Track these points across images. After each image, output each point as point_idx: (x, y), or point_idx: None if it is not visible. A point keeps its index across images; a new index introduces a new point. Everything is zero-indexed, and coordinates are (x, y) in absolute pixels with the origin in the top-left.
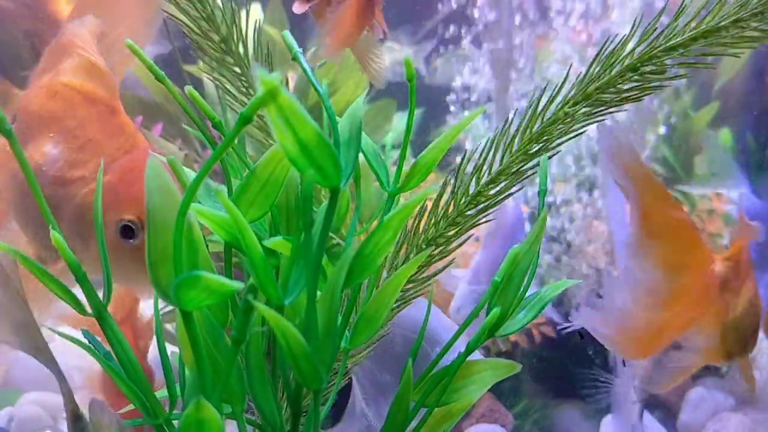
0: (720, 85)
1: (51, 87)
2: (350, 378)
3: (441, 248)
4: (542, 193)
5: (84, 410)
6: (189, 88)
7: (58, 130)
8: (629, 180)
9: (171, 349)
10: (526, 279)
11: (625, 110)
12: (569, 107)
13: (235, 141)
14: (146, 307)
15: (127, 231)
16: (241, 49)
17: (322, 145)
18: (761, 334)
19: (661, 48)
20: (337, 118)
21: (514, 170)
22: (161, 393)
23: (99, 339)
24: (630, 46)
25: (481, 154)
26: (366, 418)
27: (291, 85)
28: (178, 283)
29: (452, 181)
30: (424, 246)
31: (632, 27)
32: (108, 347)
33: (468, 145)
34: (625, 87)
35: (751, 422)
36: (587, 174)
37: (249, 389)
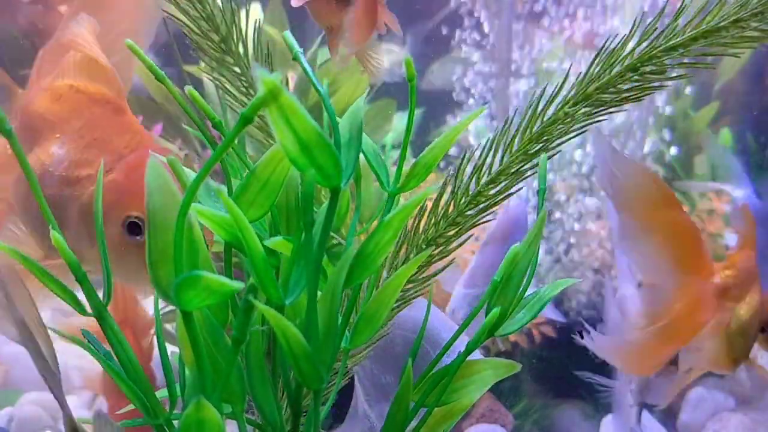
0: (720, 85)
1: (56, 90)
2: (352, 379)
3: (441, 248)
4: (541, 192)
5: (84, 411)
6: (189, 88)
7: (63, 130)
8: (624, 191)
9: (171, 349)
10: (525, 278)
11: (625, 110)
12: (569, 107)
13: (236, 141)
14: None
15: (134, 228)
16: (241, 49)
17: (323, 145)
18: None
19: (661, 48)
20: (337, 118)
21: (514, 170)
22: (161, 393)
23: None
24: (630, 46)
25: (481, 154)
26: (368, 419)
27: (291, 85)
28: (179, 283)
29: (452, 181)
30: (424, 246)
31: (632, 27)
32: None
33: (472, 140)
34: (625, 87)
35: (751, 422)
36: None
37: (249, 389)
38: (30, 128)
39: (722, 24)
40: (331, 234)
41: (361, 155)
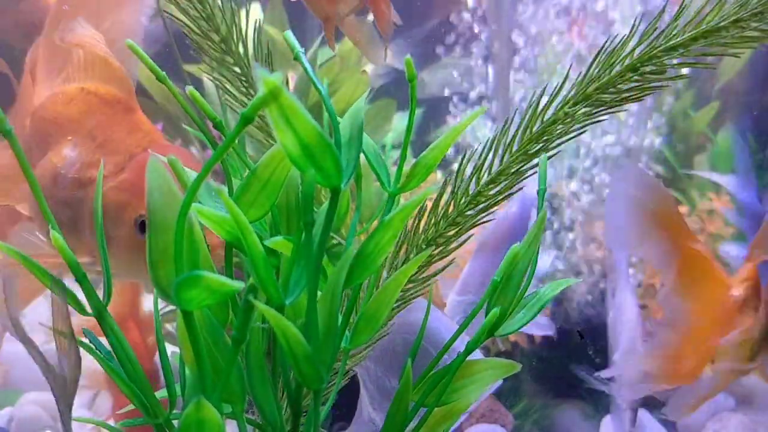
0: (720, 85)
1: (67, 93)
2: (356, 382)
3: (441, 248)
4: (541, 192)
5: (84, 411)
6: (190, 88)
7: (75, 132)
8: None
9: (171, 348)
10: (525, 278)
11: (626, 110)
12: (569, 107)
13: (236, 141)
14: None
15: (146, 227)
16: (241, 49)
17: (324, 145)
18: None
19: (661, 48)
20: (337, 118)
21: (514, 170)
22: (161, 393)
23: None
24: (630, 46)
25: (481, 154)
26: (374, 423)
27: (291, 84)
28: (179, 283)
29: (452, 181)
30: (424, 246)
31: (632, 27)
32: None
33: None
34: (625, 87)
35: (751, 422)
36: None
37: (249, 389)
38: (43, 133)
39: (722, 24)
40: (331, 234)
41: (362, 155)
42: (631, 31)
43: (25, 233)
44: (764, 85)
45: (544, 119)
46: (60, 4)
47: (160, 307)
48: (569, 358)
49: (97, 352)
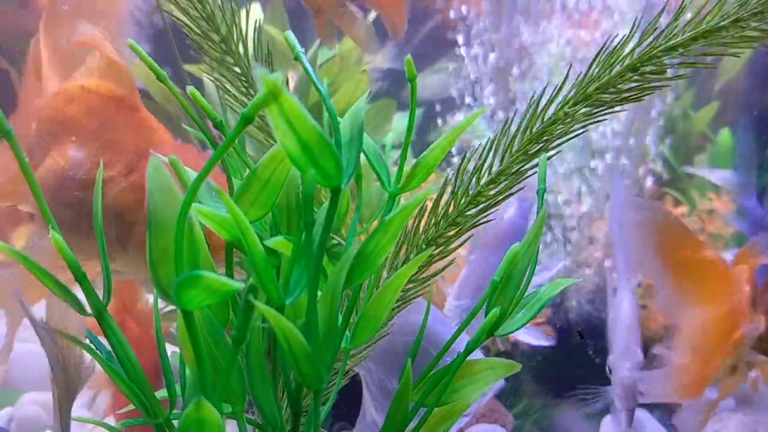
0: (720, 85)
1: (67, 92)
2: (359, 384)
3: (441, 248)
4: (541, 192)
5: (84, 411)
6: (191, 88)
7: (79, 133)
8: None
9: (171, 348)
10: (525, 278)
11: (626, 110)
12: (569, 107)
13: (236, 141)
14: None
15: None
16: (241, 49)
17: (324, 145)
18: None
19: (661, 48)
20: (338, 118)
21: (514, 170)
22: (161, 393)
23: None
24: (630, 46)
25: (481, 155)
26: (376, 425)
27: (291, 85)
28: (179, 283)
29: (452, 181)
30: (424, 246)
31: (632, 27)
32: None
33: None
34: (625, 87)
35: (751, 422)
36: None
37: (249, 389)
38: (44, 132)
39: (722, 24)
40: (331, 234)
41: (362, 155)
42: (631, 31)
43: (36, 239)
44: (764, 85)
45: (545, 119)
46: (54, 4)
47: (160, 306)
48: (569, 358)
49: (98, 352)
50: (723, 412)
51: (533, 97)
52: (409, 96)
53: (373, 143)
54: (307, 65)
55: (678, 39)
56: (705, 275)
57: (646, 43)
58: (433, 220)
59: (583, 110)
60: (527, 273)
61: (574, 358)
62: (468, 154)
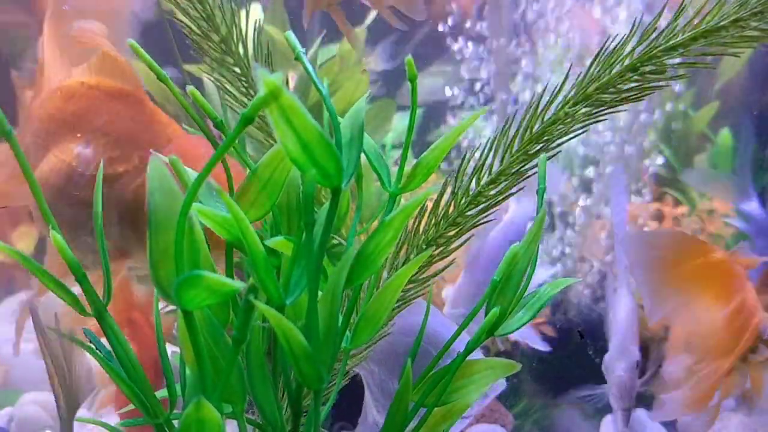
0: (720, 85)
1: (67, 89)
2: (361, 385)
3: (441, 249)
4: (540, 192)
5: (84, 411)
6: (191, 88)
7: (84, 129)
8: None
9: (171, 348)
10: (524, 278)
11: (626, 110)
12: (569, 107)
13: (236, 141)
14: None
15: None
16: (241, 50)
17: (324, 145)
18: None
19: (661, 48)
20: (338, 117)
21: (514, 170)
22: (162, 393)
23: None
24: (630, 46)
25: (481, 155)
26: (378, 426)
27: (291, 84)
28: (179, 283)
29: (452, 181)
30: (424, 246)
31: (632, 27)
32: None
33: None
34: (625, 87)
35: (752, 422)
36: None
37: (249, 389)
38: (45, 132)
39: (722, 24)
40: (332, 234)
41: (362, 155)
42: (631, 31)
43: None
44: (764, 85)
45: (545, 119)
46: (56, 4)
47: (160, 306)
48: (569, 358)
49: (98, 352)
50: (723, 412)
51: (533, 96)
52: (410, 97)
53: (373, 143)
54: (308, 65)
55: (678, 39)
56: (714, 276)
57: (646, 43)
58: (433, 221)
59: (583, 110)
60: (527, 273)
61: (574, 358)
62: (468, 155)
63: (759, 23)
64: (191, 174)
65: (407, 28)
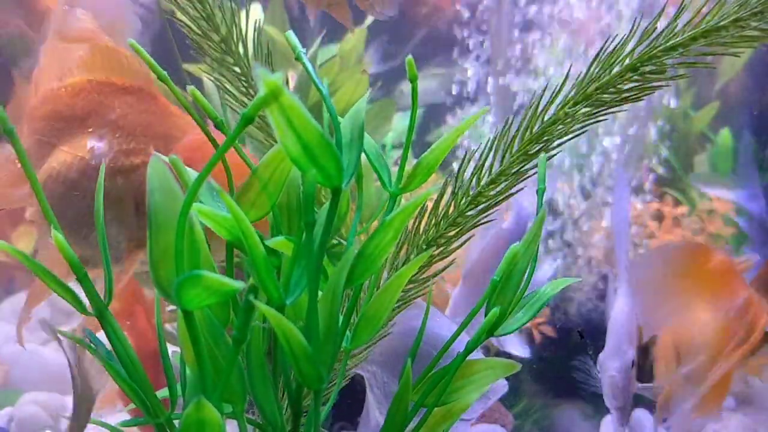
0: (720, 85)
1: (73, 86)
2: (363, 387)
3: (442, 249)
4: (540, 192)
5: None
6: (191, 88)
7: (96, 124)
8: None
9: (172, 348)
10: (524, 278)
11: (626, 110)
12: (569, 107)
13: (236, 141)
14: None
15: None
16: (241, 49)
17: (324, 145)
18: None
19: (661, 48)
20: (338, 117)
21: (514, 171)
22: (162, 392)
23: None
24: (630, 46)
25: (481, 155)
26: (380, 427)
27: (291, 84)
28: (180, 283)
29: (453, 181)
30: (424, 246)
31: (632, 27)
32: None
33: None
34: (625, 87)
35: (752, 422)
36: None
37: (250, 389)
38: (52, 129)
39: (722, 23)
40: (332, 234)
41: (362, 155)
42: (631, 31)
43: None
44: (764, 85)
45: (545, 119)
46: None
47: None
48: (569, 358)
49: (97, 351)
50: (723, 412)
51: (533, 96)
52: (410, 97)
53: (373, 143)
54: (308, 65)
55: (678, 39)
56: (716, 277)
57: (646, 43)
58: (433, 221)
59: (583, 110)
60: (527, 273)
61: (574, 358)
62: (468, 155)
63: (759, 23)
64: (192, 174)
65: (386, 17)
